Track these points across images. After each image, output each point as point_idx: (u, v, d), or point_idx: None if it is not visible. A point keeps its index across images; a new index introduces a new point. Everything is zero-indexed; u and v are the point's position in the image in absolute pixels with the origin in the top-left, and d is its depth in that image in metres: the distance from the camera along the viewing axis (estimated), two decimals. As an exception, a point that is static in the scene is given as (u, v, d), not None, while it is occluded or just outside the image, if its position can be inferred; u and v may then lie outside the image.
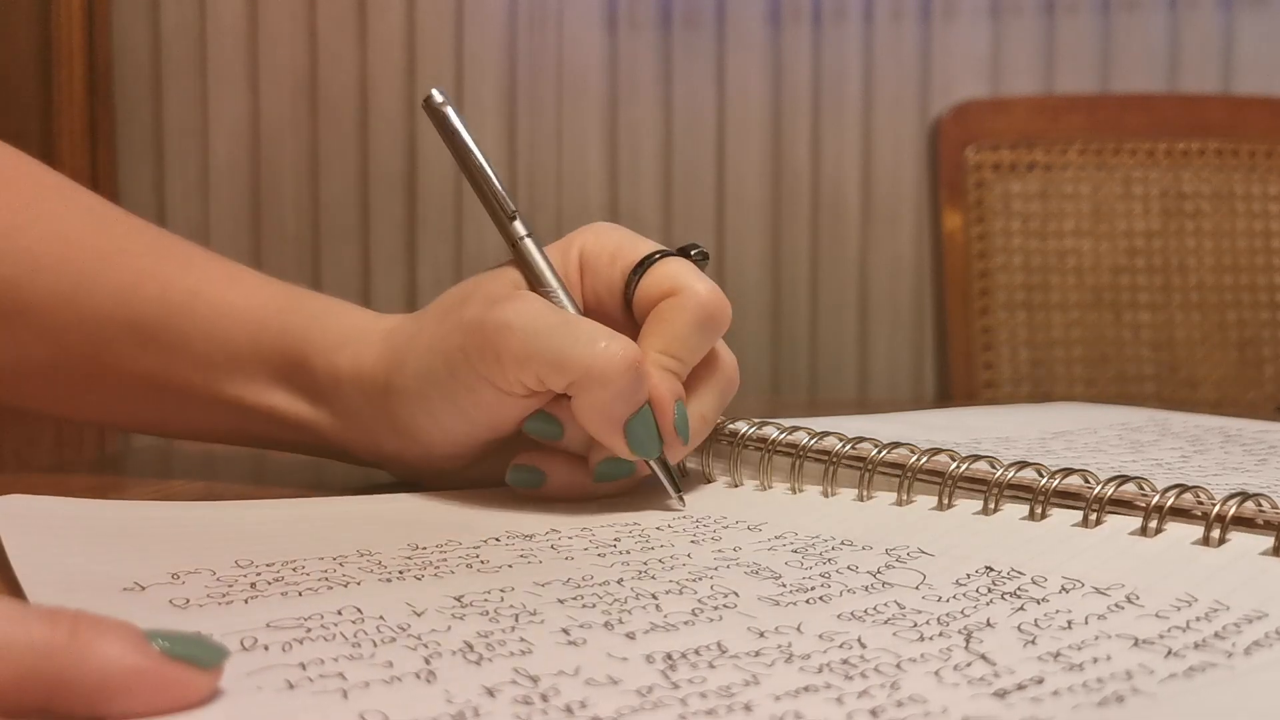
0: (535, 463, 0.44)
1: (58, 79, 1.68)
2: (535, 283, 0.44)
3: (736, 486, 0.46)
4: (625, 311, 0.45)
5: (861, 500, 0.42)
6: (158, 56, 1.72)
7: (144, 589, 0.31)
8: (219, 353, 0.47)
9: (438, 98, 0.45)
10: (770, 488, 0.45)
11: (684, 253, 0.45)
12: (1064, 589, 0.32)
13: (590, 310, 0.46)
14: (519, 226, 0.45)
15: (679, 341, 0.43)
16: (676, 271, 0.44)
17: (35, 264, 0.48)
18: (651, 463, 0.43)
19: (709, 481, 0.47)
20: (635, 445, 0.42)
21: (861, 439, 0.44)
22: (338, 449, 0.48)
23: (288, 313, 0.47)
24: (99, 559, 0.34)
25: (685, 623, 0.29)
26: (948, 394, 1.31)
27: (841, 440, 0.44)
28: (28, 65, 1.69)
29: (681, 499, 0.43)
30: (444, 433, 0.44)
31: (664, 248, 0.45)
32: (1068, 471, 0.38)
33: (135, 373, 0.48)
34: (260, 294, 0.48)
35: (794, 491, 0.45)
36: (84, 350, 0.48)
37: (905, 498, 0.41)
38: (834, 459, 0.44)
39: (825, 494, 0.43)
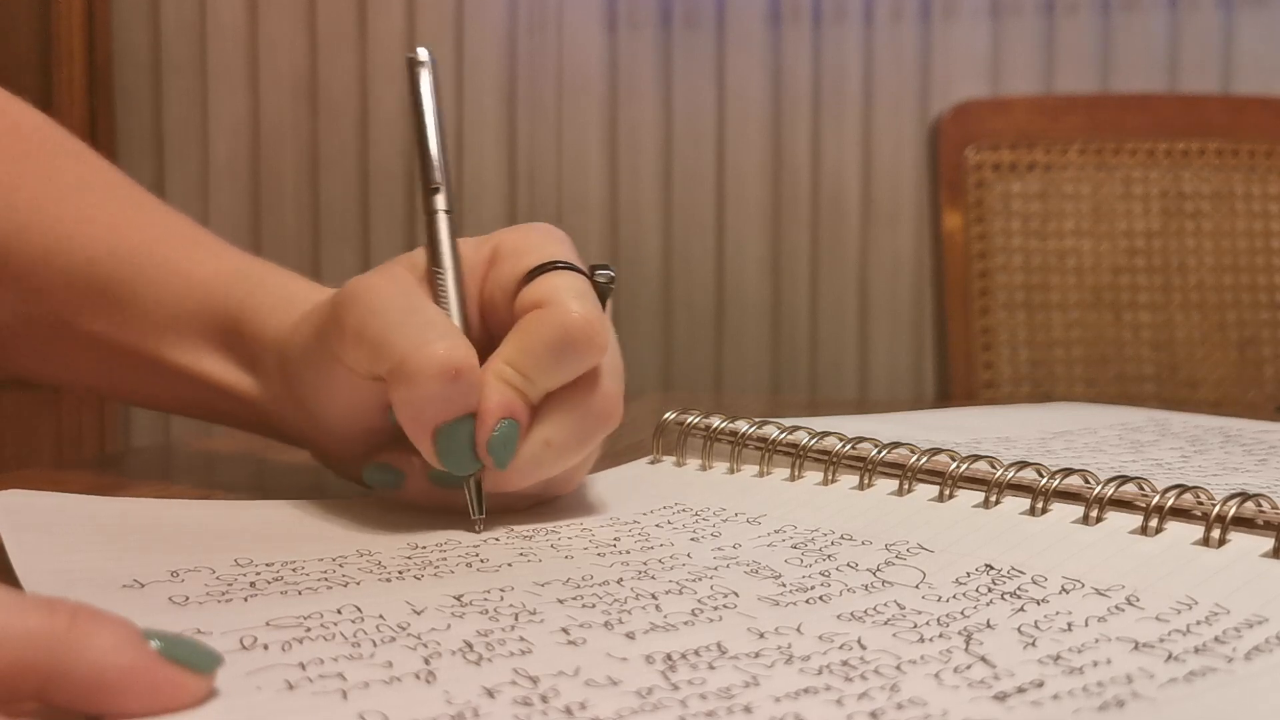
0: (395, 462, 0.41)
1: (58, 79, 1.68)
2: (432, 262, 0.42)
3: (735, 472, 0.46)
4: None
5: (861, 489, 0.42)
6: (158, 56, 1.72)
7: (143, 586, 0.31)
8: (166, 317, 0.47)
9: (421, 56, 0.44)
10: (769, 473, 0.45)
11: (592, 271, 0.42)
12: (1064, 589, 0.32)
13: (485, 310, 0.43)
14: (438, 201, 0.43)
15: (529, 356, 0.39)
16: (558, 286, 0.40)
17: (21, 222, 0.48)
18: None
19: (707, 469, 0.47)
20: (443, 455, 0.38)
21: (861, 439, 0.44)
22: (267, 422, 0.47)
23: (235, 280, 0.47)
24: (98, 555, 0.34)
25: (685, 623, 0.29)
26: (948, 394, 1.31)
27: (841, 440, 0.44)
28: (28, 65, 1.69)
29: (481, 523, 0.39)
30: (327, 411, 0.42)
31: (570, 261, 0.41)
32: (1068, 471, 0.38)
33: (93, 334, 0.48)
34: (216, 262, 0.48)
35: (793, 479, 0.44)
36: (54, 310, 0.49)
37: (907, 488, 0.41)
38: (834, 459, 0.44)
39: (825, 481, 0.43)
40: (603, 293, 0.41)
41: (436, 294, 0.41)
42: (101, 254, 0.48)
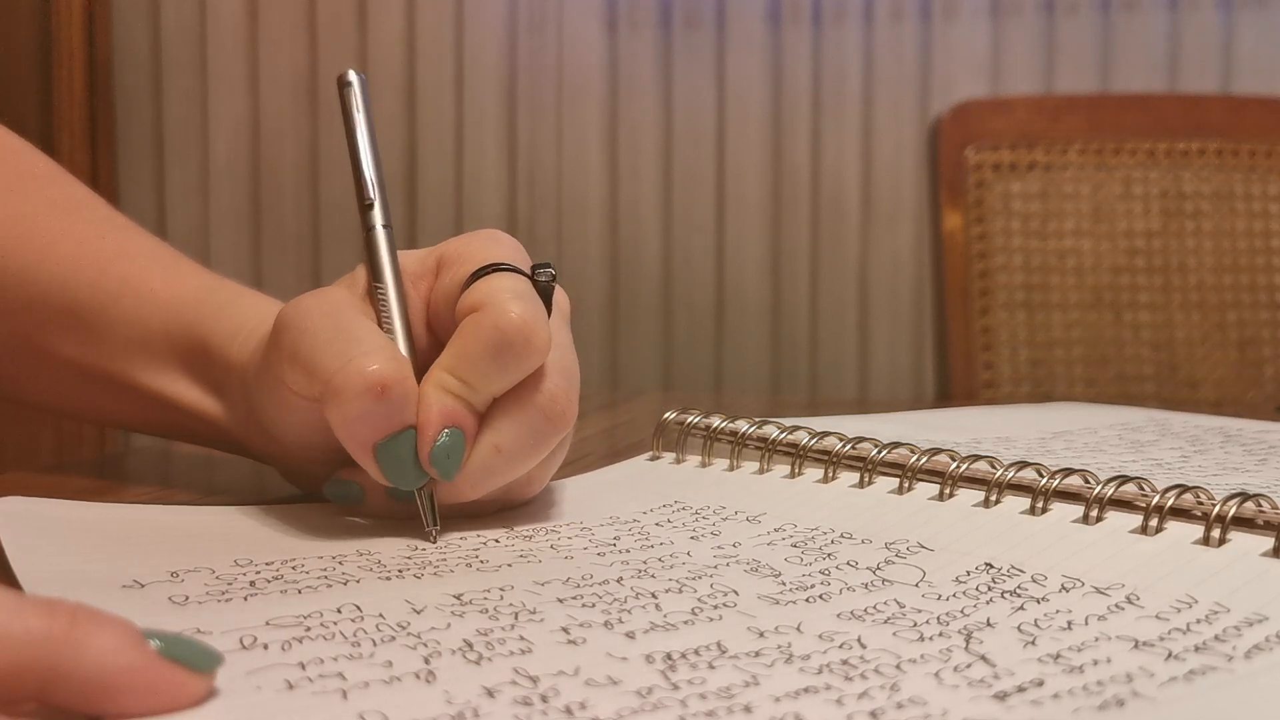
0: (355, 477, 0.40)
1: (58, 79, 1.68)
2: (372, 277, 0.42)
3: (735, 469, 0.46)
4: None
5: (861, 487, 0.42)
6: (158, 56, 1.72)
7: (143, 586, 0.31)
8: (136, 340, 0.47)
9: (349, 78, 0.44)
10: (769, 471, 0.45)
11: (533, 271, 0.41)
12: (1064, 588, 0.32)
13: (433, 321, 0.42)
14: (373, 216, 0.42)
15: (467, 362, 0.38)
16: (496, 288, 0.39)
17: None
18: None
19: (706, 466, 0.47)
20: (387, 472, 0.37)
21: (861, 439, 0.44)
22: (235, 442, 0.47)
23: (202, 302, 0.47)
24: (98, 558, 0.34)
25: (685, 622, 0.29)
26: (948, 394, 1.31)
27: (841, 440, 0.44)
28: (28, 65, 1.69)
29: (434, 533, 0.38)
30: (285, 433, 0.42)
31: (510, 264, 0.40)
32: (1068, 471, 0.38)
33: (63, 356, 0.48)
34: (186, 284, 0.48)
35: (793, 476, 0.44)
36: (26, 332, 0.49)
37: (907, 487, 0.41)
38: (834, 459, 0.44)
39: (825, 479, 0.43)
40: (544, 292, 0.40)
41: (378, 309, 0.41)
42: (72, 276, 0.48)
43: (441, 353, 0.39)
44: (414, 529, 0.39)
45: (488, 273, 0.40)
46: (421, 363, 0.39)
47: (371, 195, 0.43)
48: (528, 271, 0.41)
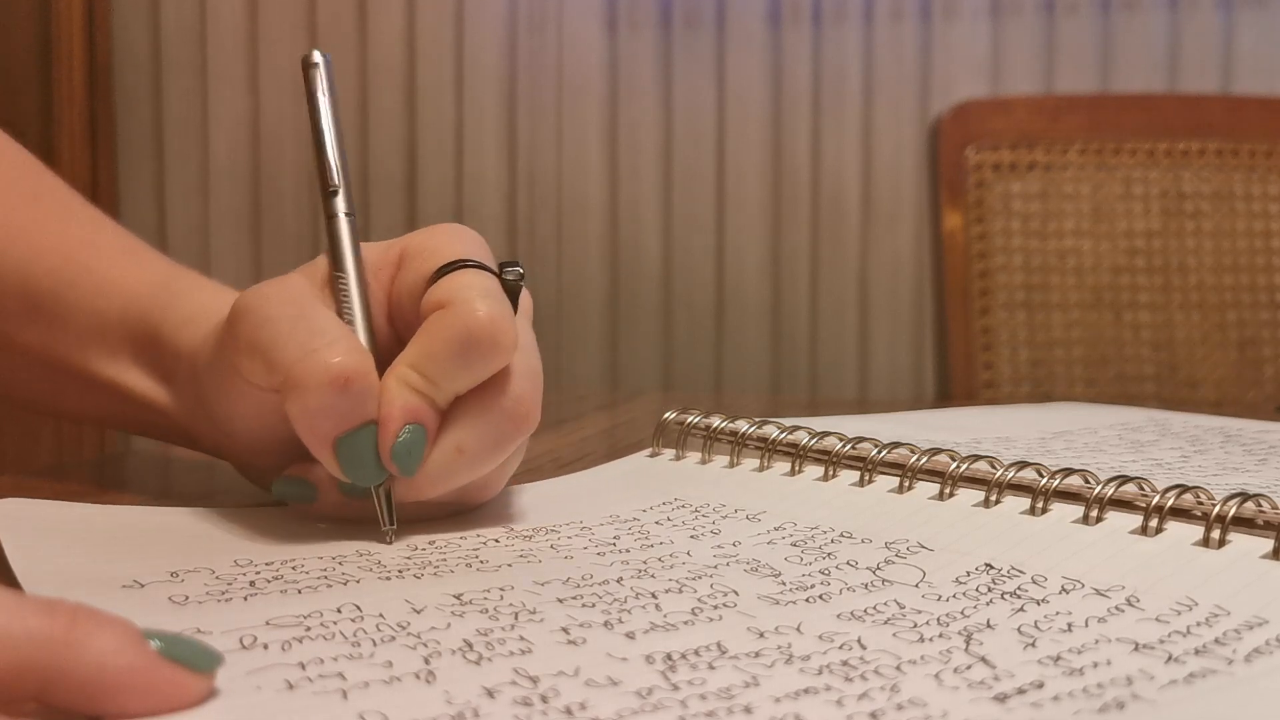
0: (307, 474, 0.39)
1: (58, 79, 1.68)
2: (333, 266, 0.41)
3: (735, 466, 0.46)
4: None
5: (861, 486, 0.42)
6: (158, 56, 1.72)
7: (143, 586, 0.31)
8: (93, 329, 0.46)
9: (315, 58, 0.43)
10: (769, 468, 0.45)
11: (501, 269, 0.40)
12: (1064, 589, 0.32)
13: (393, 314, 0.41)
14: (337, 204, 0.41)
15: (432, 359, 0.37)
16: (464, 284, 0.38)
17: None
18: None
19: (706, 463, 0.47)
20: (346, 467, 0.37)
21: (862, 439, 0.44)
22: (185, 434, 0.46)
23: (158, 289, 0.46)
24: (98, 558, 0.34)
25: (685, 622, 0.29)
26: (948, 394, 1.31)
27: (841, 440, 0.44)
28: (28, 65, 1.69)
29: (391, 532, 0.37)
30: (236, 424, 0.41)
31: (478, 260, 0.39)
32: (1068, 472, 0.38)
33: (25, 345, 0.48)
34: (145, 272, 0.47)
35: (793, 474, 0.44)
36: None
37: (907, 486, 0.41)
38: (834, 459, 0.44)
39: (825, 478, 0.43)
40: (512, 291, 0.39)
41: (339, 299, 0.40)
42: (33, 264, 0.47)
43: (404, 347, 0.38)
44: (368, 531, 0.38)
45: (455, 269, 0.39)
46: (380, 356, 0.39)
47: (336, 181, 0.42)
48: (494, 269, 0.40)
